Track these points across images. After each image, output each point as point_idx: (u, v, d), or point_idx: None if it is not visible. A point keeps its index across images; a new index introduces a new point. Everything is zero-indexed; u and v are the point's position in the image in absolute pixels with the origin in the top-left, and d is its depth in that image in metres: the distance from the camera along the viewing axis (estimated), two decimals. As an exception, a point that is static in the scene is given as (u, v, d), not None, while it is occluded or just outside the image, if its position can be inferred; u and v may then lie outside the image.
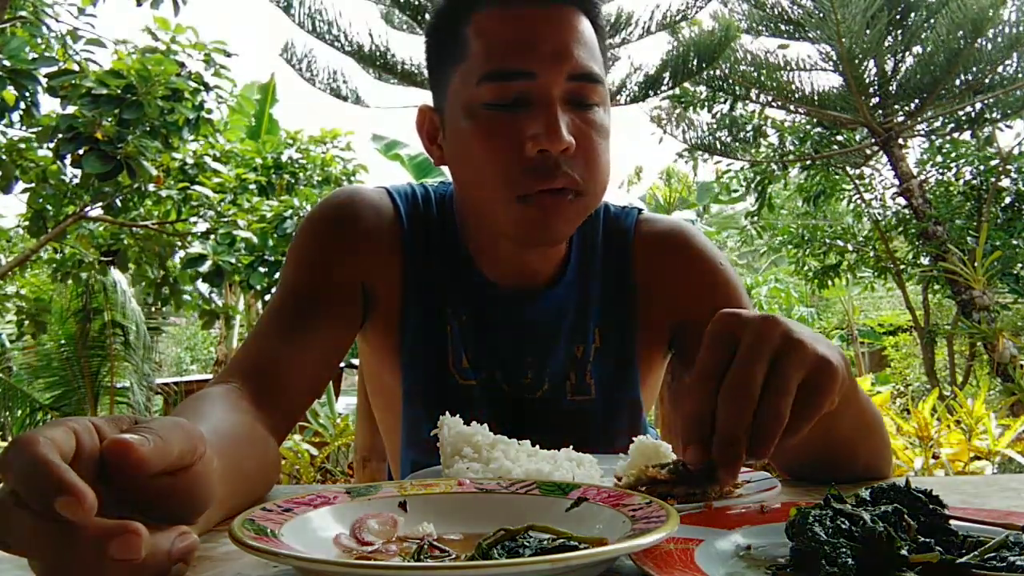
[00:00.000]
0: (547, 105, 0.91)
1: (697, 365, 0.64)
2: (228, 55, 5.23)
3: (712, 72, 5.83)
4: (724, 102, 6.62)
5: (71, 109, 4.70)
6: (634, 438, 0.80)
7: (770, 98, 6.33)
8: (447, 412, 0.84)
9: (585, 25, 0.96)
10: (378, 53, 5.12)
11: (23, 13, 4.77)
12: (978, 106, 6.31)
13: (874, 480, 0.86)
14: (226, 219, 5.60)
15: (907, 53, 6.34)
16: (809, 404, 0.62)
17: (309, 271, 1.03)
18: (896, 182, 6.53)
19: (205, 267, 5.40)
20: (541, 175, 0.91)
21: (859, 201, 7.20)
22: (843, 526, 0.50)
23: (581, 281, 1.08)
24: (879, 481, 0.84)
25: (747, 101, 6.48)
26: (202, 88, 5.05)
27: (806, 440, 0.74)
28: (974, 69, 5.87)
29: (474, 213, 1.05)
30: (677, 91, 6.12)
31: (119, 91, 4.62)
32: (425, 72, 1.09)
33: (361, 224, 1.04)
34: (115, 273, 6.23)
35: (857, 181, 7.12)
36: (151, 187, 5.38)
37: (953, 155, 6.58)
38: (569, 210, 0.94)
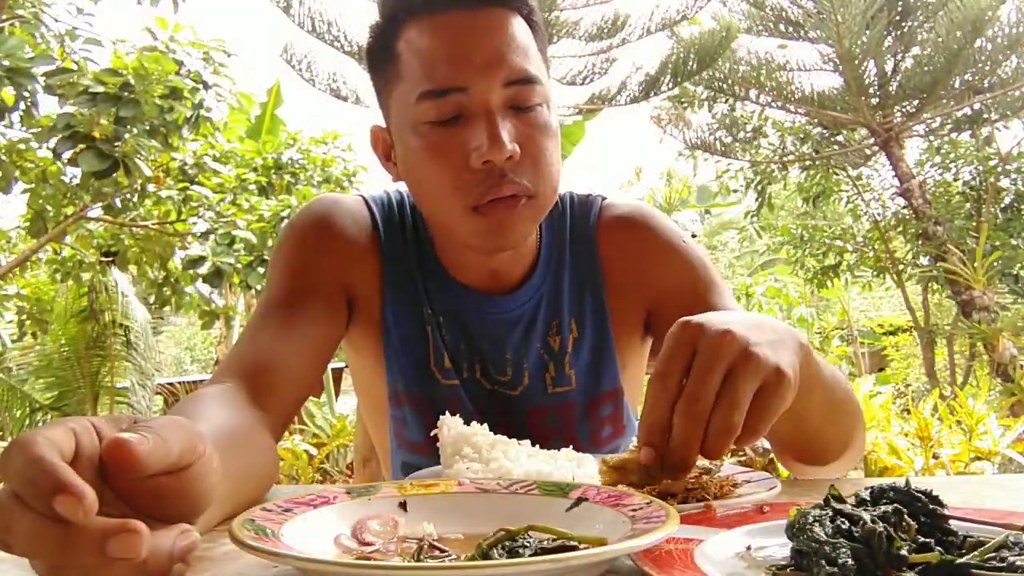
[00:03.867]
0: (486, 115, 0.90)
1: (655, 369, 0.67)
2: (228, 54, 5.23)
3: (712, 72, 5.82)
4: (724, 102, 6.63)
5: (69, 108, 4.70)
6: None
7: (770, 98, 6.34)
8: (434, 412, 0.86)
9: (517, 25, 0.94)
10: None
11: (21, 12, 4.77)
12: (977, 106, 6.32)
13: (852, 453, 0.91)
14: (225, 219, 5.60)
15: (906, 54, 6.35)
16: (762, 413, 0.65)
17: (292, 277, 1.05)
18: (896, 182, 6.53)
19: (204, 268, 5.40)
20: (488, 186, 0.91)
21: (859, 201, 7.20)
22: (843, 526, 0.50)
23: (552, 273, 1.10)
24: (856, 453, 0.93)
25: (747, 101, 6.49)
26: (201, 86, 5.04)
27: (775, 434, 0.85)
28: (973, 70, 5.87)
29: (433, 224, 1.07)
30: (677, 91, 6.12)
31: (116, 89, 4.62)
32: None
33: (339, 231, 1.07)
34: (116, 273, 6.23)
35: (856, 182, 7.13)
36: (151, 187, 5.37)
37: (952, 155, 6.59)
38: (522, 215, 0.94)
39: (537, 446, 0.85)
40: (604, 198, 1.16)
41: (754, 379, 0.64)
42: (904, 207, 6.63)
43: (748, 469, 0.83)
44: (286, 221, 5.47)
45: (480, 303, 1.08)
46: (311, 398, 5.70)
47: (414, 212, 1.12)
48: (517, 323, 1.08)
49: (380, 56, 1.00)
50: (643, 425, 0.67)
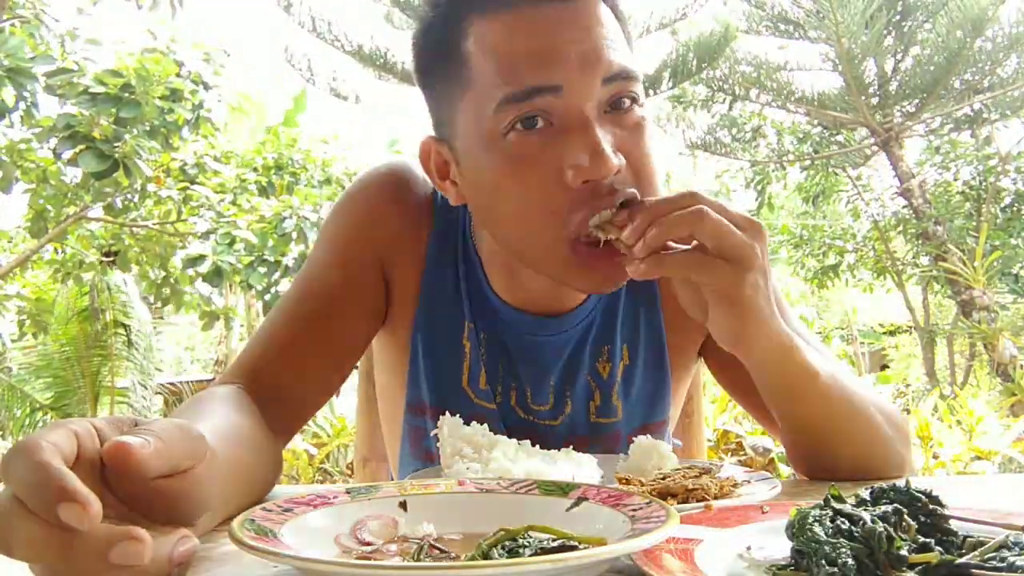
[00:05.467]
0: (583, 123, 0.77)
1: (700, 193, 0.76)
2: (227, 54, 5.24)
3: (712, 72, 5.82)
4: (722, 102, 6.63)
5: (70, 108, 4.70)
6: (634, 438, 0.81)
7: (770, 98, 6.33)
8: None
9: (606, 13, 0.82)
10: (377, 53, 5.12)
11: (22, 12, 4.77)
12: (977, 106, 6.32)
13: (877, 478, 0.86)
14: (226, 219, 5.61)
15: (906, 54, 6.35)
16: (694, 263, 0.74)
17: (336, 254, 0.97)
18: (896, 182, 6.53)
19: (205, 267, 5.40)
20: (592, 206, 0.78)
21: (859, 201, 7.21)
22: (843, 526, 0.50)
23: (609, 296, 0.98)
24: (880, 480, 0.85)
25: (747, 101, 6.48)
26: (201, 87, 5.05)
27: (787, 441, 0.88)
28: (973, 69, 5.87)
29: (514, 257, 0.91)
30: (676, 91, 6.13)
31: (117, 90, 4.62)
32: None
33: (398, 197, 0.97)
34: (120, 272, 6.23)
35: (856, 182, 7.13)
36: (151, 187, 5.38)
37: (952, 155, 6.59)
38: None
39: (537, 446, 0.85)
40: None
41: (728, 240, 0.72)
42: (904, 207, 6.63)
43: (748, 469, 0.83)
44: (291, 218, 5.45)
45: (525, 324, 0.98)
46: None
47: (467, 212, 0.99)
48: (564, 348, 0.98)
49: (439, 59, 0.85)
50: (659, 204, 0.74)
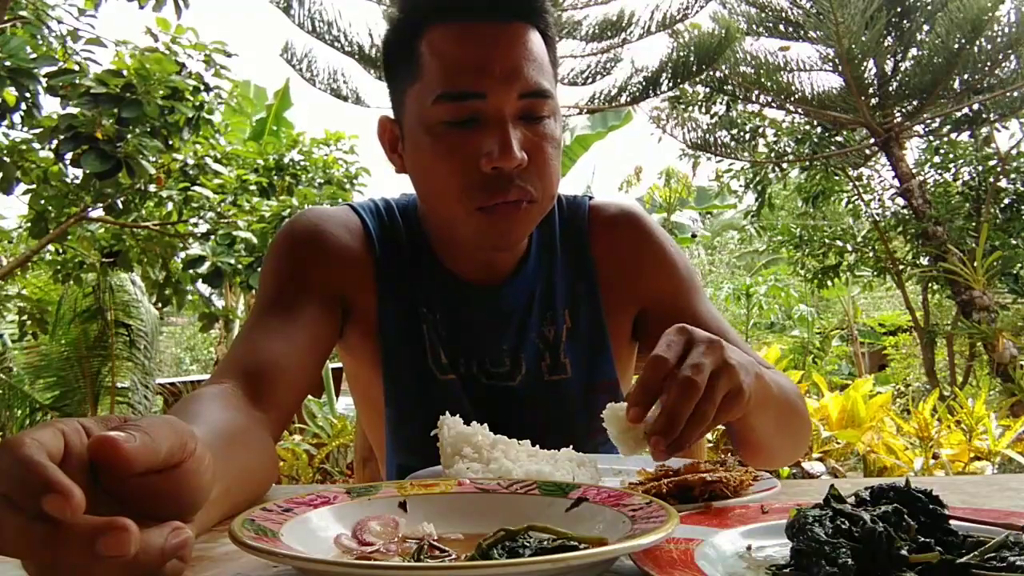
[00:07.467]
0: (500, 123, 0.96)
1: (657, 348, 0.77)
2: (228, 55, 5.23)
3: (712, 73, 5.83)
4: (721, 103, 6.63)
5: (71, 109, 4.70)
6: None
7: (770, 99, 6.34)
8: (430, 410, 0.87)
9: (535, 40, 1.00)
10: (378, 53, 5.12)
11: (23, 13, 4.77)
12: (976, 106, 6.32)
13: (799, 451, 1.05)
14: (226, 220, 5.60)
15: (906, 54, 6.35)
16: (719, 415, 0.76)
17: (284, 284, 1.07)
18: (896, 182, 6.54)
19: (204, 268, 5.39)
20: (496, 189, 0.97)
21: (859, 202, 7.21)
22: (843, 526, 0.50)
23: (544, 267, 1.15)
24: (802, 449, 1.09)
25: (747, 102, 6.49)
26: (202, 88, 5.04)
27: (739, 440, 0.96)
28: (973, 69, 5.87)
29: (436, 220, 1.10)
30: (677, 92, 6.13)
31: (118, 90, 4.61)
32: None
33: (331, 240, 1.09)
34: (123, 272, 6.23)
35: (856, 182, 7.13)
36: (152, 188, 5.36)
37: (952, 155, 6.59)
38: (524, 218, 1.01)
39: (537, 446, 0.86)
40: (591, 198, 1.22)
41: (727, 386, 0.75)
42: (904, 207, 6.63)
43: (748, 469, 0.83)
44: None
45: (476, 297, 1.11)
46: (311, 398, 5.69)
47: (404, 215, 1.15)
48: (512, 314, 1.12)
49: (399, 52, 1.04)
50: (637, 385, 0.75)
